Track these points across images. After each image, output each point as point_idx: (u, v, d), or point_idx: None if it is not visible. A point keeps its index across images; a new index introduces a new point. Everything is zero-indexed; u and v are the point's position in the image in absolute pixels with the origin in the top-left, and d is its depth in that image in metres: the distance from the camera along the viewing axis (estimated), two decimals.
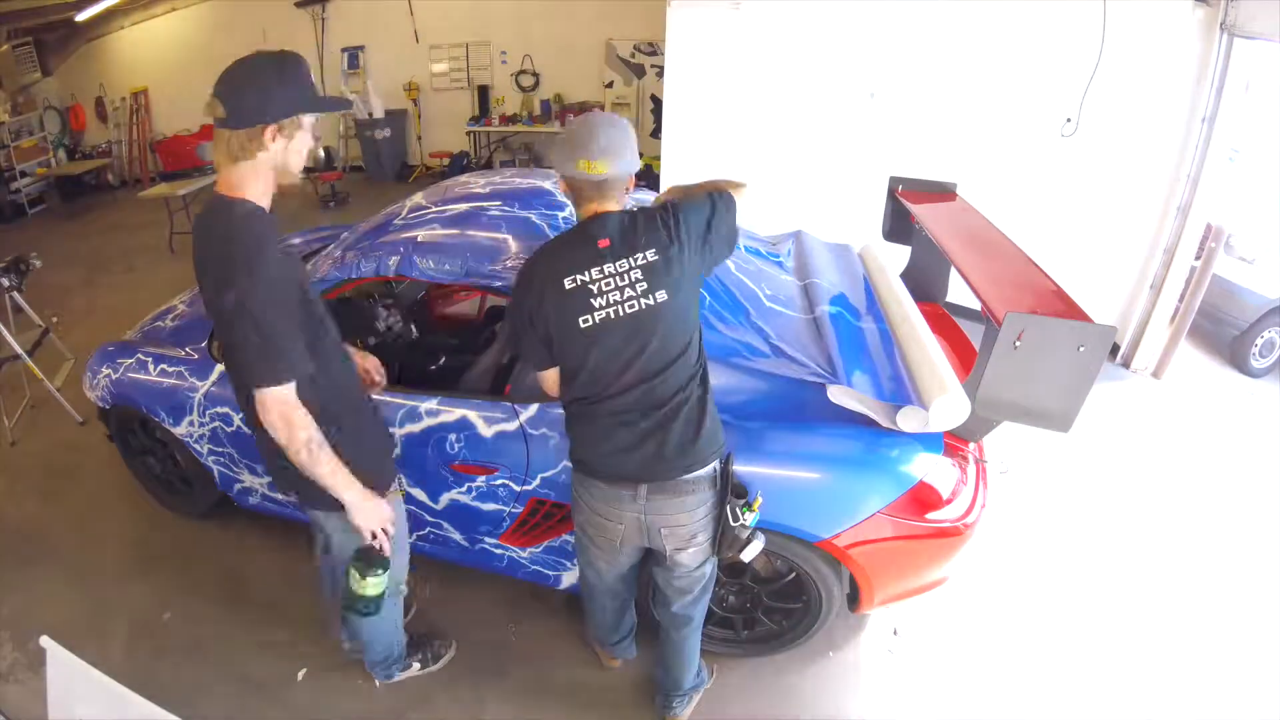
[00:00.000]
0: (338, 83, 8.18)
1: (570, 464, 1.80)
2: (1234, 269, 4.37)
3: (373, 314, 3.09)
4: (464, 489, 2.23)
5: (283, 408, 1.48)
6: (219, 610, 2.59)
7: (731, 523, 1.71)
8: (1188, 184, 3.70)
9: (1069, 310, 1.78)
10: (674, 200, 1.70)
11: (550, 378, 1.75)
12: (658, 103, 6.64)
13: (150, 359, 2.69)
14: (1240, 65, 3.45)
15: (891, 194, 2.91)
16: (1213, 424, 3.72)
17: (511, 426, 2.14)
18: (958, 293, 2.53)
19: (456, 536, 2.37)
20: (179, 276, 4.91)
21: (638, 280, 1.57)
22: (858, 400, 1.98)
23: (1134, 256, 3.97)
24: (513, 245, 2.24)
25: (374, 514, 1.67)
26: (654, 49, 6.99)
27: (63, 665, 1.44)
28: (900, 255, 2.91)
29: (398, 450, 2.13)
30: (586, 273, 1.58)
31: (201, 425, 2.57)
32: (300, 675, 2.33)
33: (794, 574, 2.11)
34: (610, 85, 7.54)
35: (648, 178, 6.83)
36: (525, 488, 2.15)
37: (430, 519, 2.36)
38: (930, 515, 1.98)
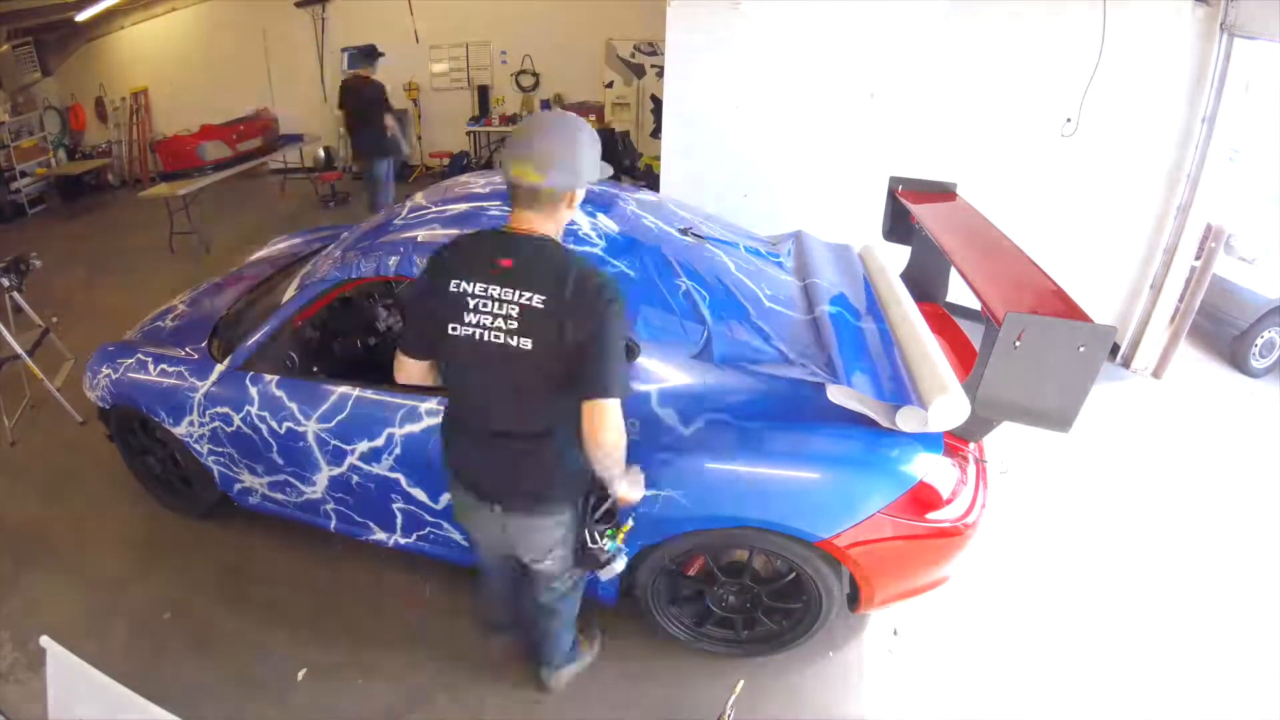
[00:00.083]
0: (338, 83, 8.16)
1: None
2: (1234, 269, 4.37)
3: (373, 314, 3.10)
4: None
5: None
6: (219, 610, 2.59)
7: (590, 545, 1.73)
8: (1188, 184, 3.70)
9: (1069, 310, 1.78)
10: (608, 287, 1.51)
11: (406, 367, 1.69)
12: (658, 103, 6.63)
13: (150, 359, 2.69)
14: (1240, 65, 3.45)
15: (891, 194, 2.91)
16: (1213, 424, 3.72)
17: None
18: (958, 293, 2.53)
19: (457, 536, 2.37)
20: (179, 276, 4.91)
21: (510, 316, 1.49)
22: (857, 400, 1.98)
23: (1134, 256, 3.97)
24: None
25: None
26: (654, 49, 6.98)
27: (63, 665, 1.44)
28: (900, 255, 2.91)
29: None
30: (473, 284, 1.51)
31: (201, 425, 2.57)
32: (300, 675, 2.33)
33: (794, 574, 2.11)
34: (610, 85, 7.53)
35: (648, 177, 6.84)
36: None
37: (430, 519, 2.36)
38: (930, 515, 1.98)
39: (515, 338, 1.50)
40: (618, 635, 2.42)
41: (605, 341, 1.49)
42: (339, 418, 2.33)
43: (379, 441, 2.27)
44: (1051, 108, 3.89)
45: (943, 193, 2.82)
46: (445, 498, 2.27)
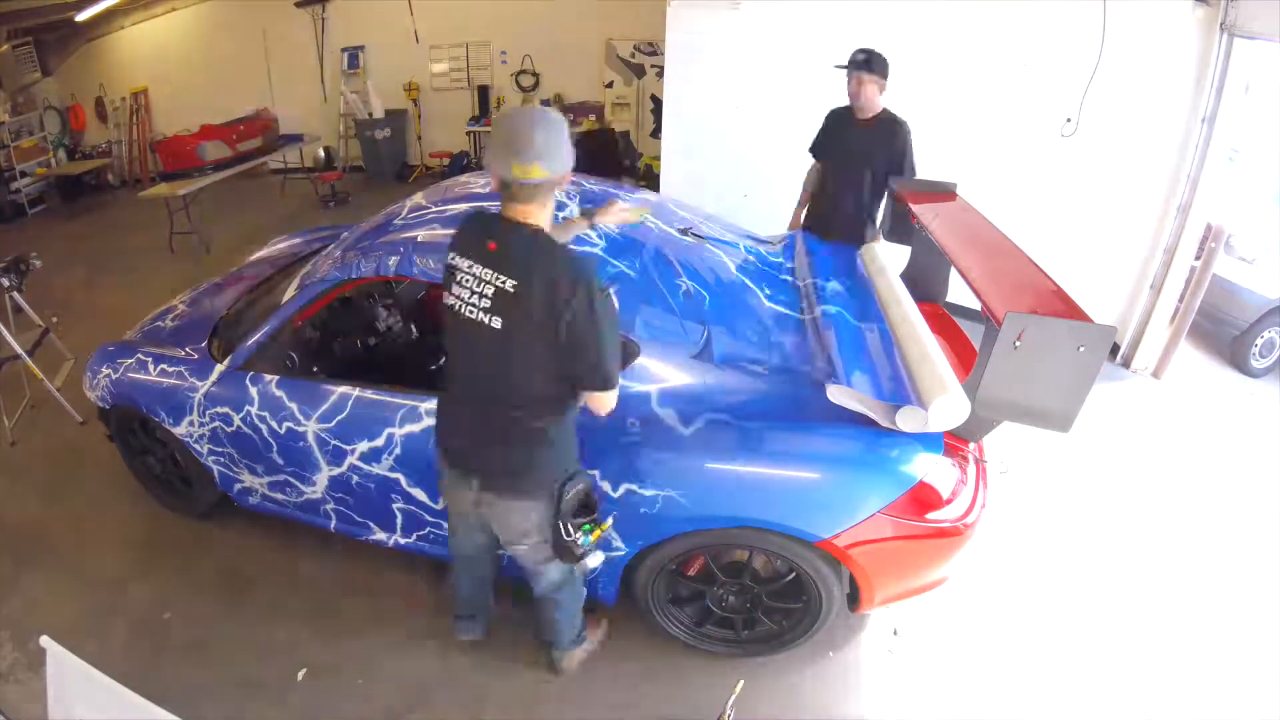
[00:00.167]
0: (338, 83, 8.18)
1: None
2: (1234, 269, 4.37)
3: (373, 314, 3.10)
4: None
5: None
6: (219, 610, 2.59)
7: (563, 537, 1.79)
8: (1188, 184, 3.70)
9: (1069, 310, 1.78)
10: (584, 281, 1.58)
11: None
12: (658, 103, 6.63)
13: (150, 359, 2.69)
14: (1240, 65, 3.45)
15: (891, 194, 2.91)
16: (1213, 424, 3.72)
17: None
18: (958, 293, 2.53)
19: None
20: (179, 276, 4.92)
21: (485, 295, 1.63)
22: (857, 400, 1.98)
23: (1134, 256, 3.97)
24: None
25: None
26: (654, 49, 6.98)
27: (63, 665, 1.44)
28: (900, 255, 2.91)
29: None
30: (463, 259, 1.66)
31: (201, 425, 2.57)
32: (300, 675, 2.33)
33: (794, 574, 2.11)
34: (610, 85, 7.53)
35: (648, 177, 6.84)
36: None
37: (430, 518, 2.36)
38: (930, 515, 1.98)
39: (488, 315, 1.63)
40: (618, 635, 2.42)
41: (590, 335, 1.59)
42: (339, 418, 2.33)
43: (379, 441, 2.28)
44: (1051, 108, 3.89)
45: (943, 193, 2.82)
46: None
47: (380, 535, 2.53)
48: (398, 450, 2.26)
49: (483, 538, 2.07)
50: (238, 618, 2.55)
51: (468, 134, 8.11)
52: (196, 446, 2.65)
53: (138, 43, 8.42)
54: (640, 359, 2.08)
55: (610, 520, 1.90)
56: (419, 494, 2.31)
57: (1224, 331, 4.39)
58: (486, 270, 1.62)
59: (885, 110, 3.11)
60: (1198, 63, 3.53)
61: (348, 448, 2.33)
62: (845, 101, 3.18)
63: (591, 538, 1.81)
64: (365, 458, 2.32)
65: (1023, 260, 2.18)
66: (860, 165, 3.13)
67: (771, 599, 2.22)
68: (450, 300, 1.69)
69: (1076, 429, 1.78)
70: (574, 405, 1.78)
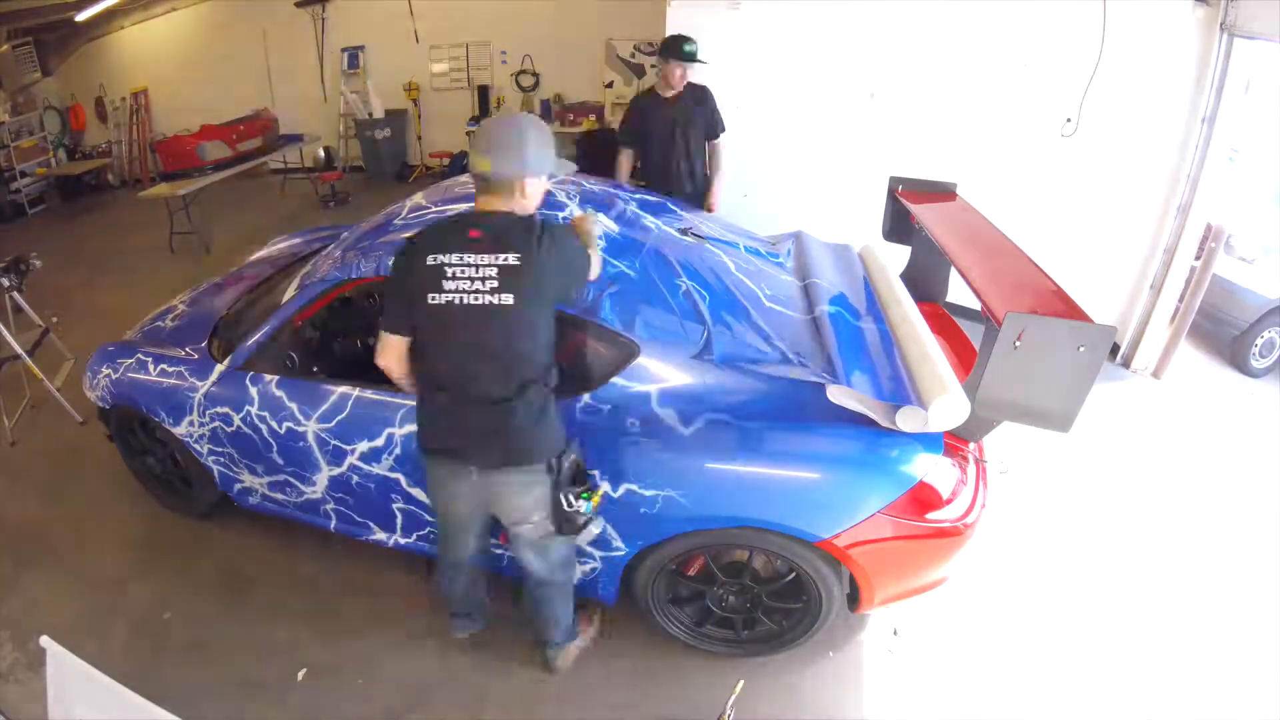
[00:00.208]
0: (338, 83, 8.18)
1: (419, 450, 1.96)
2: (1234, 269, 4.37)
3: (373, 314, 3.09)
4: None
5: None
6: (219, 610, 2.59)
7: (565, 508, 1.85)
8: (1188, 184, 3.70)
9: (1069, 310, 1.78)
10: (559, 226, 1.82)
11: (389, 345, 1.87)
12: None
13: (150, 359, 2.69)
14: (1240, 65, 3.45)
15: (891, 194, 2.91)
16: (1213, 424, 3.72)
17: None
18: (958, 293, 2.53)
19: None
20: (179, 276, 4.92)
21: (490, 278, 1.68)
22: (857, 400, 1.98)
23: (1134, 256, 3.97)
24: None
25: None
26: (654, 49, 6.97)
27: (63, 665, 1.44)
28: (900, 255, 2.91)
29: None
30: (448, 255, 1.71)
31: (201, 425, 2.57)
32: (300, 675, 2.33)
33: (794, 574, 2.11)
34: (610, 85, 7.53)
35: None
36: None
37: (430, 519, 2.36)
38: (930, 515, 1.98)
39: (497, 295, 1.68)
40: (618, 635, 2.42)
41: (578, 272, 1.85)
42: (339, 418, 2.33)
43: (379, 441, 2.28)
44: (1051, 108, 3.89)
45: (943, 193, 2.82)
46: None
47: (380, 535, 2.53)
48: (398, 450, 2.26)
49: (474, 537, 2.07)
50: (238, 618, 2.55)
51: (468, 134, 8.09)
52: (196, 446, 2.65)
53: (138, 43, 8.43)
54: (640, 359, 2.08)
55: (604, 486, 1.96)
56: (419, 494, 2.31)
57: (1224, 331, 4.39)
58: (480, 256, 1.69)
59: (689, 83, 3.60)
60: (1198, 63, 3.53)
61: (348, 448, 2.33)
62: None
63: (592, 504, 1.86)
64: (365, 458, 2.32)
65: (1023, 260, 2.18)
66: (681, 138, 3.62)
67: (771, 599, 2.22)
68: (444, 298, 1.71)
69: (1076, 429, 1.78)
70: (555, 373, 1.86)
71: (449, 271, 1.70)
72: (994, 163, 4.02)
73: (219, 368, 2.55)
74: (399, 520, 2.43)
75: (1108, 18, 3.58)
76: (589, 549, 2.18)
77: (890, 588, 2.11)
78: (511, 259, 1.68)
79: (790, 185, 4.61)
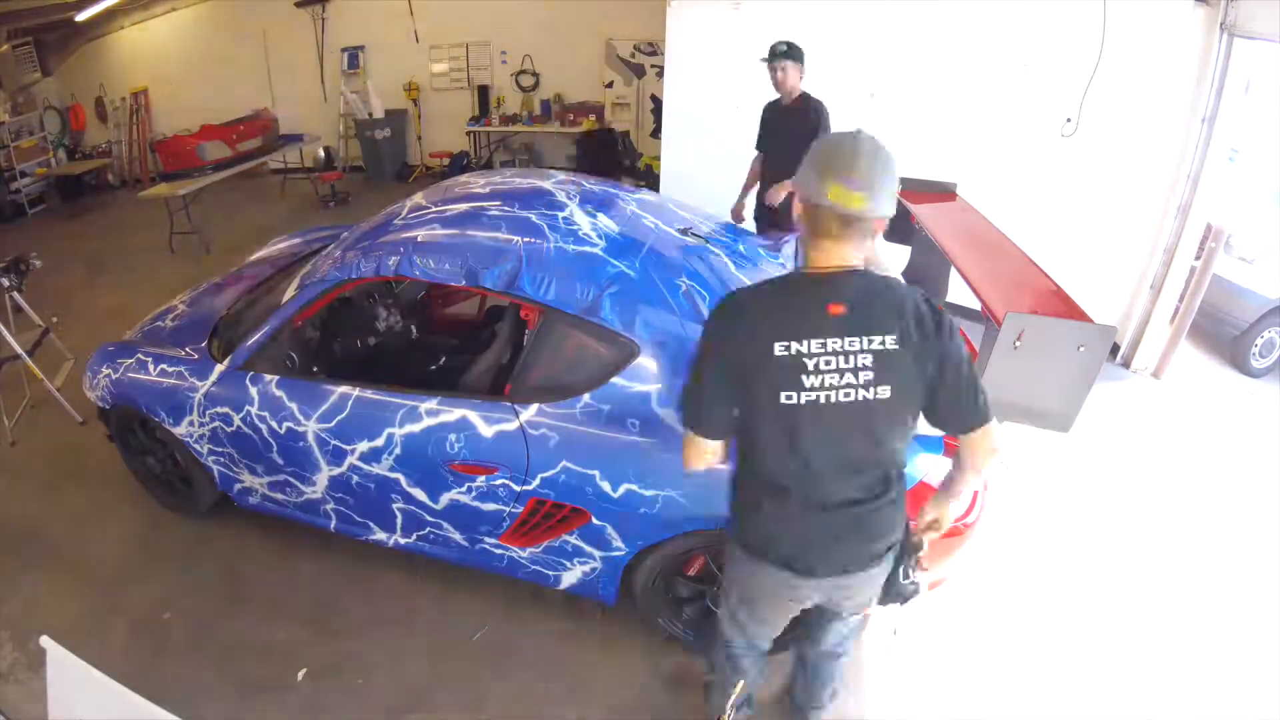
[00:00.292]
0: (338, 83, 8.18)
1: (734, 542, 1.60)
2: (1234, 269, 4.37)
3: (373, 314, 3.10)
4: (464, 489, 2.23)
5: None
6: (219, 610, 2.59)
7: (901, 580, 1.60)
8: (1188, 184, 3.70)
9: (1069, 310, 1.78)
10: (941, 310, 1.39)
11: (701, 451, 1.48)
12: (658, 103, 6.63)
13: (150, 359, 2.69)
14: (1240, 65, 3.45)
15: None
16: (1213, 424, 3.72)
17: (511, 426, 2.14)
18: (958, 293, 2.53)
19: (457, 536, 2.37)
20: (179, 276, 4.92)
21: (863, 368, 1.32)
22: None
23: (1134, 256, 3.97)
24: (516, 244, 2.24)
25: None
26: (654, 49, 6.98)
27: (63, 665, 1.44)
28: (900, 255, 2.91)
29: None
30: (804, 343, 1.31)
31: (201, 425, 2.57)
32: (300, 675, 2.33)
33: None
34: (610, 85, 7.53)
35: (648, 177, 6.84)
36: (525, 488, 2.15)
37: (430, 519, 2.36)
38: None
39: (872, 389, 1.33)
40: (618, 635, 2.42)
41: (965, 365, 1.37)
42: (339, 418, 2.33)
43: (379, 441, 2.28)
44: (1051, 108, 3.89)
45: (943, 193, 2.82)
46: (446, 497, 2.28)
47: (380, 535, 2.54)
48: (398, 450, 2.26)
49: (808, 612, 1.76)
50: (238, 618, 2.55)
51: (468, 134, 8.11)
52: (196, 446, 2.65)
53: (138, 43, 8.42)
54: (640, 359, 2.08)
55: (925, 550, 1.66)
56: (419, 494, 2.31)
57: (1224, 331, 4.39)
58: (850, 340, 1.31)
59: (804, 93, 3.52)
60: (1198, 63, 3.53)
61: (348, 448, 2.33)
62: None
63: (921, 568, 1.64)
64: (365, 458, 2.32)
65: (1023, 260, 2.18)
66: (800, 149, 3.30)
67: None
68: (804, 397, 1.33)
69: (1076, 429, 1.79)
70: None
71: (809, 364, 1.31)
72: (994, 163, 4.02)
73: (219, 368, 2.55)
74: (399, 520, 2.43)
75: (1108, 18, 3.58)
76: (589, 549, 2.18)
77: None
78: (889, 342, 1.31)
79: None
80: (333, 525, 2.60)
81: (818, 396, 1.33)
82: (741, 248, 2.76)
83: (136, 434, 2.88)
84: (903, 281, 1.43)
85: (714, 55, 4.62)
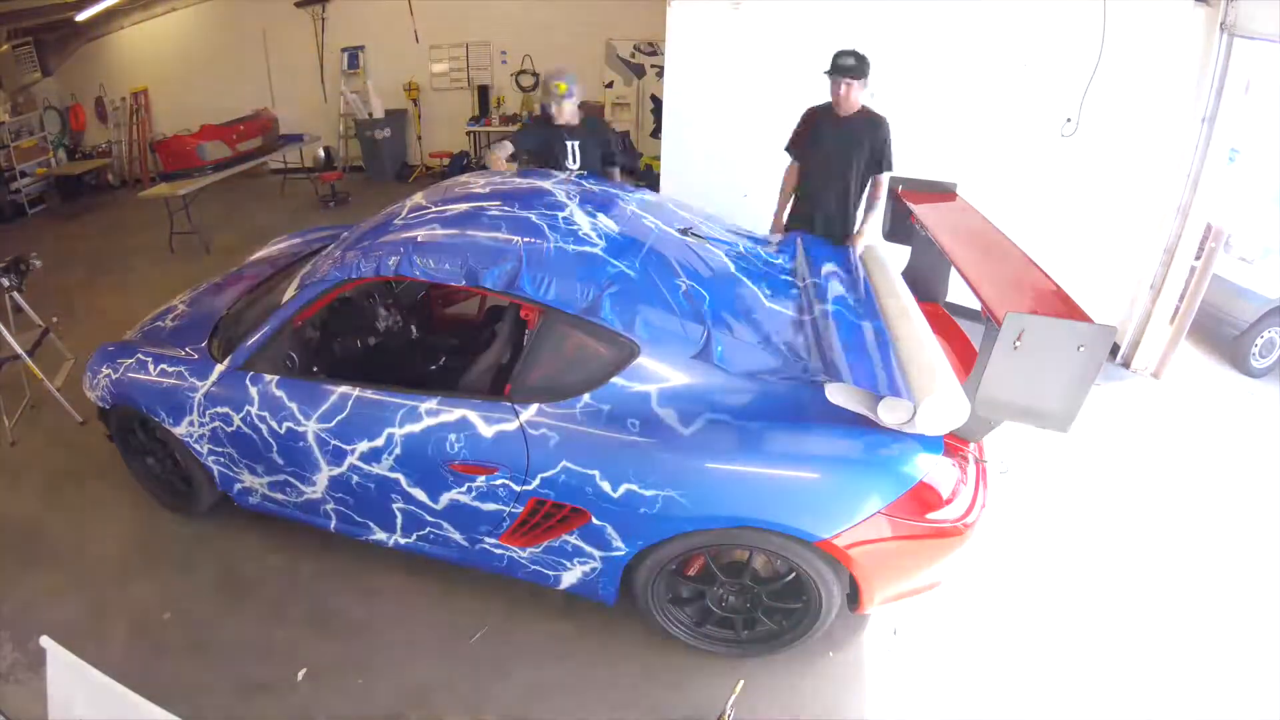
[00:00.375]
0: (338, 83, 8.19)
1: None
2: (1234, 269, 4.37)
3: (373, 314, 3.10)
4: (464, 489, 2.23)
5: None
6: (219, 610, 2.59)
7: None
8: (1188, 184, 3.70)
9: (1069, 310, 1.78)
10: None
11: None
12: (658, 103, 6.64)
13: (150, 359, 2.69)
14: (1240, 65, 3.45)
15: (891, 194, 2.92)
16: (1213, 424, 3.72)
17: (511, 426, 2.14)
18: (958, 293, 2.54)
19: (456, 536, 2.37)
20: (179, 276, 4.91)
21: None
22: (856, 400, 1.98)
23: (1134, 256, 3.97)
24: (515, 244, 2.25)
25: None
26: (654, 49, 6.99)
27: (63, 665, 1.44)
28: (900, 255, 2.91)
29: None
30: None
31: (201, 425, 2.57)
32: (300, 675, 2.33)
33: (794, 574, 2.11)
34: (610, 85, 7.54)
35: (648, 178, 6.84)
36: (525, 488, 2.15)
37: (430, 519, 2.36)
38: (930, 515, 1.98)
39: None
40: (618, 635, 2.42)
41: None
42: (339, 418, 2.33)
43: (379, 441, 2.27)
44: (1051, 108, 3.89)
45: (943, 193, 2.82)
46: (445, 497, 2.28)
47: (380, 535, 2.53)
48: (398, 450, 2.26)
49: None
50: (238, 618, 2.55)
51: (468, 134, 8.11)
52: (196, 446, 2.65)
53: (138, 43, 8.43)
54: (640, 359, 2.08)
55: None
56: (419, 494, 2.31)
57: (1224, 331, 4.39)
58: None
59: (864, 107, 3.23)
60: (1198, 63, 3.53)
61: (348, 448, 2.33)
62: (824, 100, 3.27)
63: None
64: (365, 458, 2.32)
65: (1023, 260, 2.18)
66: (842, 163, 3.23)
67: (771, 599, 2.22)
68: None
69: (1076, 429, 1.79)
70: None
71: None
72: (994, 163, 4.02)
73: (219, 368, 2.55)
74: (399, 520, 2.43)
75: (1108, 18, 3.58)
76: (589, 549, 2.18)
77: (890, 588, 2.11)
78: None
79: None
80: (333, 525, 2.60)
81: None
82: (742, 248, 2.76)
83: (136, 434, 2.88)
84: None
85: (714, 55, 4.62)
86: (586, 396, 2.10)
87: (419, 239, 2.34)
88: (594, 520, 2.11)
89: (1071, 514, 2.99)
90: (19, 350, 3.57)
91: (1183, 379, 4.06)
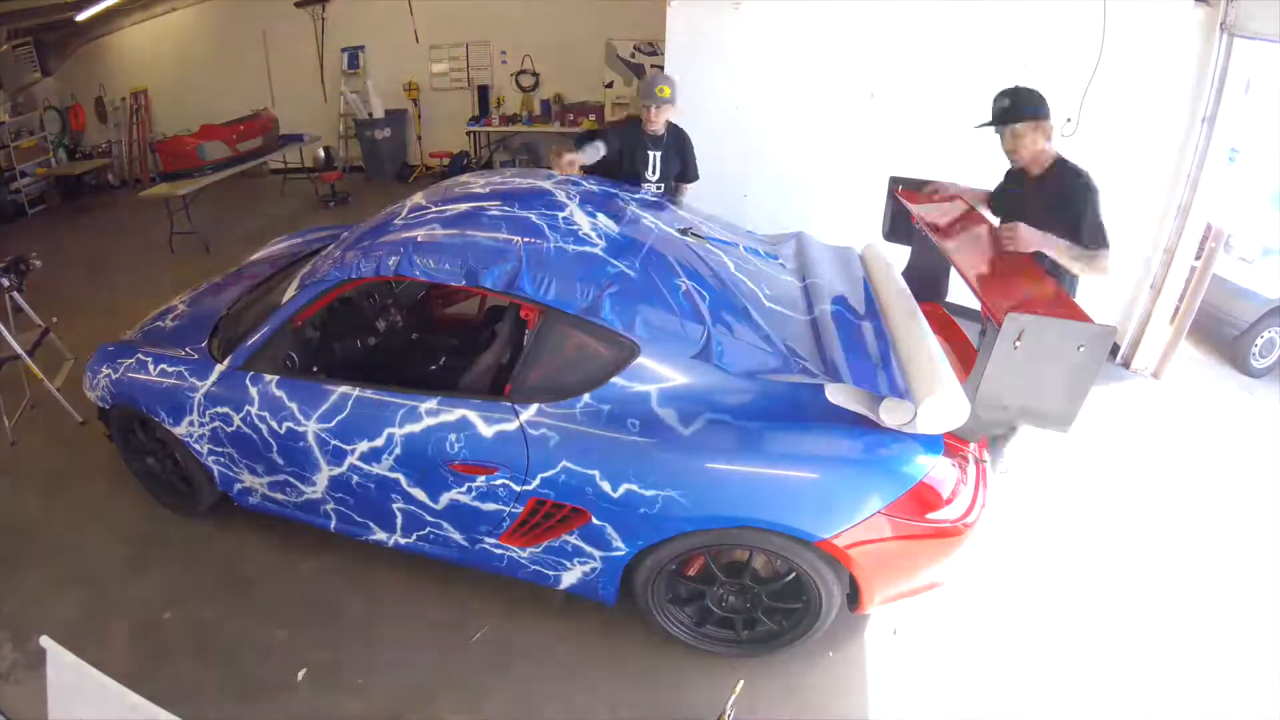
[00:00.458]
0: (338, 83, 8.19)
1: None
2: (1234, 269, 4.37)
3: (373, 314, 3.10)
4: (464, 489, 2.23)
5: None
6: (219, 610, 2.59)
7: None
8: (1188, 184, 3.70)
9: (1069, 310, 1.78)
10: None
11: None
12: None
13: (150, 359, 2.69)
14: (1240, 65, 3.45)
15: (891, 194, 2.92)
16: (1213, 424, 3.72)
17: (511, 426, 2.14)
18: (958, 293, 2.53)
19: (457, 536, 2.37)
20: (179, 276, 4.91)
21: None
22: (856, 400, 1.98)
23: (1134, 256, 3.97)
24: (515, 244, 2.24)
25: None
26: (654, 49, 6.98)
27: (63, 665, 1.44)
28: (900, 255, 2.91)
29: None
30: None
31: (201, 425, 2.57)
32: (300, 675, 2.33)
33: (794, 574, 2.11)
34: (610, 85, 7.53)
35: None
36: (525, 488, 2.15)
37: (430, 519, 2.36)
38: (930, 515, 1.98)
39: None
40: (618, 635, 2.42)
41: None
42: (339, 418, 2.33)
43: (379, 441, 2.27)
44: (1051, 108, 3.89)
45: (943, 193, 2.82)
46: (445, 497, 2.28)
47: (380, 535, 2.53)
48: (398, 450, 2.26)
49: None
50: (238, 618, 2.55)
51: (468, 134, 8.11)
52: (196, 446, 2.65)
53: (138, 43, 8.43)
54: (640, 359, 2.08)
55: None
56: (419, 494, 2.31)
57: (1224, 331, 4.39)
58: None
59: (1059, 159, 2.54)
60: (1198, 63, 3.53)
61: (348, 448, 2.33)
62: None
63: None
64: (365, 458, 2.32)
65: (1023, 260, 2.18)
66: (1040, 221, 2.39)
67: (771, 599, 2.22)
68: None
69: (1076, 429, 1.79)
70: None
71: None
72: (994, 163, 4.01)
73: (219, 368, 2.55)
74: (399, 520, 2.43)
75: (1108, 18, 3.58)
76: (589, 549, 2.18)
77: (890, 588, 2.11)
78: None
79: (790, 185, 4.61)
80: (333, 525, 2.60)
81: None
82: (742, 248, 2.76)
83: (136, 434, 2.88)
84: None
85: (714, 55, 4.62)
86: (586, 396, 2.10)
87: (419, 239, 2.34)
88: (594, 520, 2.11)
89: (1071, 514, 2.99)
90: (19, 350, 3.57)
91: (1183, 379, 4.06)
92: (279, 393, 2.41)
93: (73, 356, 4.02)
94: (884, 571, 2.05)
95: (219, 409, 2.51)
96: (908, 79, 4.18)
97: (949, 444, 2.06)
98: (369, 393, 2.32)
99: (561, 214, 2.42)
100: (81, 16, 7.46)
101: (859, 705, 2.26)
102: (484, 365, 2.46)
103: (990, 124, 2.57)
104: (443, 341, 3.29)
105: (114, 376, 2.74)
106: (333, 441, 2.34)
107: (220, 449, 2.60)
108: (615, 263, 2.25)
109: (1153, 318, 3.97)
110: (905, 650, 2.41)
